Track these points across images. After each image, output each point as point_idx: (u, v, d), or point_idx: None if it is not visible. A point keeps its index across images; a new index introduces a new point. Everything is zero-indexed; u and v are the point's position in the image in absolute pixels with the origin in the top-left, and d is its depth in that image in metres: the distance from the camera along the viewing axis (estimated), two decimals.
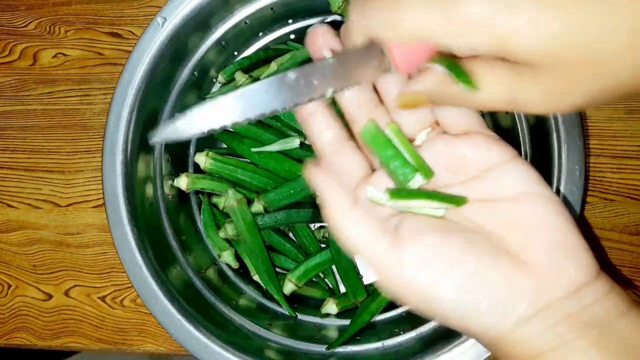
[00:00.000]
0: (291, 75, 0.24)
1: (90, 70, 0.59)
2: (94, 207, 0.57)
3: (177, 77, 0.49)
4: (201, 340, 0.41)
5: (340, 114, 0.29)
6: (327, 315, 0.50)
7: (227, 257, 0.51)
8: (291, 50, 0.53)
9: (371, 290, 0.49)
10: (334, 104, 0.29)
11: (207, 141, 0.55)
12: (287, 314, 0.49)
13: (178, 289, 0.44)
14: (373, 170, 0.29)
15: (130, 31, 0.59)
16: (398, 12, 0.22)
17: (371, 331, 0.47)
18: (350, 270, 0.49)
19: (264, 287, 0.50)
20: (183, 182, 0.49)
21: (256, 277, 0.51)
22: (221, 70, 0.53)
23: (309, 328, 0.49)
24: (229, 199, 0.49)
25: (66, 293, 0.56)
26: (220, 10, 0.47)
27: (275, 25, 0.53)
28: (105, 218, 0.43)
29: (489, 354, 0.37)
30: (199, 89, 0.52)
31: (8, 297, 0.56)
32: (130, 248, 0.43)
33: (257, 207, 0.49)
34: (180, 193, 0.51)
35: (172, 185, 0.49)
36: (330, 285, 0.53)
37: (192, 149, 0.53)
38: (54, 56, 0.60)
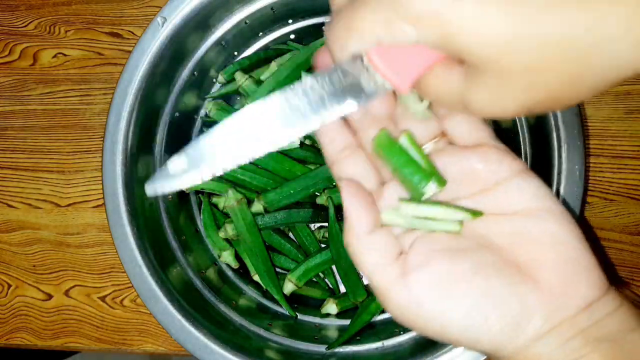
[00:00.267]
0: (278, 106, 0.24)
1: (90, 70, 0.59)
2: (94, 207, 0.57)
3: (177, 77, 0.49)
4: (201, 340, 0.41)
5: None
6: (327, 315, 0.50)
7: (227, 257, 0.51)
8: (291, 50, 0.53)
9: (371, 291, 0.49)
10: None
11: None
12: (287, 314, 0.49)
13: (178, 289, 0.44)
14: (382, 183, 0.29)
15: (130, 31, 0.59)
16: (353, 21, 0.23)
17: (371, 331, 0.47)
18: (350, 270, 0.49)
19: (264, 287, 0.50)
20: None
21: (256, 277, 0.51)
22: (221, 70, 0.53)
23: (309, 328, 0.49)
24: (229, 199, 0.49)
25: (66, 293, 0.56)
26: (220, 10, 0.47)
27: (275, 25, 0.53)
28: (105, 218, 0.43)
29: None
30: (199, 89, 0.52)
31: (8, 297, 0.56)
32: (130, 248, 0.43)
33: (257, 207, 0.49)
34: (180, 193, 0.51)
35: None
36: (330, 285, 0.53)
37: None
38: (54, 56, 0.60)
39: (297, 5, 0.51)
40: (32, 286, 0.56)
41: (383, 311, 0.48)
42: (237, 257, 0.51)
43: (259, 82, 0.51)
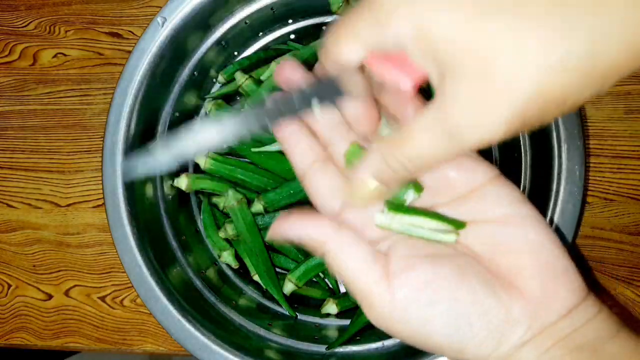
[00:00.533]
0: (268, 102, 0.25)
1: (90, 70, 0.59)
2: (94, 207, 0.57)
3: (177, 77, 0.49)
4: (201, 340, 0.41)
5: None
6: (327, 315, 0.50)
7: (227, 257, 0.51)
8: (291, 50, 0.53)
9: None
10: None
11: None
12: (287, 314, 0.49)
13: (178, 289, 0.44)
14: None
15: (130, 31, 0.59)
16: (340, 29, 0.24)
17: (371, 331, 0.47)
18: None
19: (264, 287, 0.50)
20: (183, 182, 0.49)
21: (256, 277, 0.51)
22: (221, 70, 0.53)
23: (309, 328, 0.49)
24: (229, 199, 0.49)
25: (66, 293, 0.56)
26: (220, 10, 0.47)
27: (275, 25, 0.53)
28: (105, 218, 0.43)
29: None
30: (199, 89, 0.52)
31: (8, 297, 0.56)
32: (130, 248, 0.43)
33: (257, 207, 0.49)
34: (180, 193, 0.51)
35: (172, 185, 0.50)
36: (330, 285, 0.53)
37: None
38: (54, 56, 0.60)
39: (297, 5, 0.51)
40: (32, 286, 0.56)
41: None
42: (237, 257, 0.51)
43: (259, 82, 0.51)
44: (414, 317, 0.24)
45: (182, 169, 0.52)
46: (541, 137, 0.42)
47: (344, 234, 0.25)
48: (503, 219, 0.26)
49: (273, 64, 0.51)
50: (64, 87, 0.59)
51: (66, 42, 0.60)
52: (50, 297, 0.56)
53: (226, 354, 0.41)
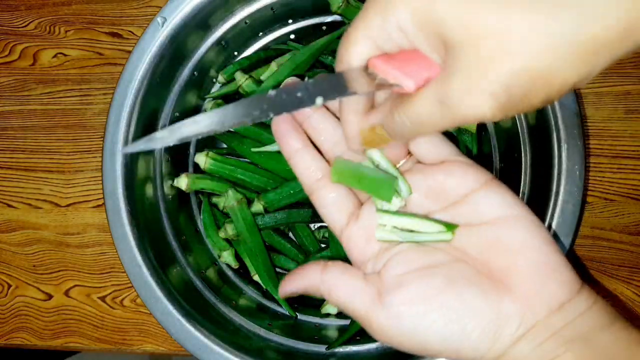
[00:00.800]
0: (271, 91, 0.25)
1: (90, 70, 0.59)
2: (94, 207, 0.57)
3: (177, 77, 0.49)
4: (201, 340, 0.41)
5: None
6: (327, 315, 0.50)
7: (227, 257, 0.51)
8: (291, 50, 0.53)
9: None
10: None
11: (207, 141, 0.55)
12: (287, 314, 0.49)
13: (178, 289, 0.44)
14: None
15: (130, 31, 0.59)
16: (349, 32, 0.25)
17: None
18: None
19: (264, 287, 0.50)
20: (183, 182, 0.49)
21: (256, 277, 0.51)
22: (221, 70, 0.53)
23: (309, 328, 0.49)
24: (229, 199, 0.49)
25: (66, 293, 0.56)
26: (220, 10, 0.47)
27: (275, 25, 0.53)
28: (105, 218, 0.43)
29: None
30: (199, 89, 0.52)
31: (8, 297, 0.56)
32: (130, 248, 0.43)
33: (257, 207, 0.49)
34: (180, 193, 0.51)
35: (172, 185, 0.50)
36: None
37: (192, 149, 0.53)
38: (54, 56, 0.60)
39: (297, 5, 0.51)
40: (32, 286, 0.56)
41: None
42: (237, 257, 0.51)
43: (259, 82, 0.51)
44: (409, 328, 0.25)
45: (182, 169, 0.52)
46: (541, 137, 0.42)
47: (330, 272, 0.28)
48: (495, 221, 0.27)
49: (273, 64, 0.51)
50: (64, 87, 0.59)
51: (66, 42, 0.60)
52: (50, 297, 0.56)
53: (226, 354, 0.41)
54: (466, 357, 0.25)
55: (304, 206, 0.51)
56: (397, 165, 0.30)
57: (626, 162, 0.51)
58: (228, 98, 0.54)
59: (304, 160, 0.30)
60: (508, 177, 0.46)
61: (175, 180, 0.49)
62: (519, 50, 0.20)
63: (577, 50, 0.20)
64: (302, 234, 0.52)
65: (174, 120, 0.49)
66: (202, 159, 0.50)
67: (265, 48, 0.54)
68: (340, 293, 0.27)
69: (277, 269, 0.52)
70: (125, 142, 0.44)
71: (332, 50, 0.52)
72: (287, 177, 0.50)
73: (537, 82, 0.21)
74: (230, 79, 0.53)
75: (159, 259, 0.44)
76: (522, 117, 0.44)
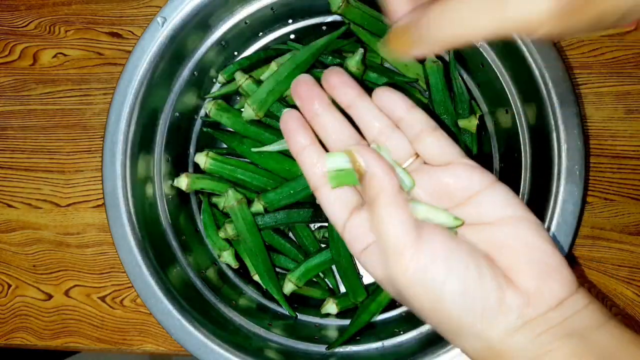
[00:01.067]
0: None
1: (90, 70, 0.59)
2: (94, 207, 0.57)
3: (177, 77, 0.49)
4: (201, 340, 0.41)
5: None
6: (327, 315, 0.50)
7: (227, 257, 0.51)
8: (291, 50, 0.53)
9: (371, 290, 0.49)
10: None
11: (207, 141, 0.55)
12: (287, 314, 0.49)
13: (178, 289, 0.44)
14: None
15: (130, 31, 0.59)
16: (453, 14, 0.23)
17: (371, 331, 0.47)
18: (350, 270, 0.49)
19: (264, 287, 0.50)
20: (183, 182, 0.49)
21: (256, 277, 0.51)
22: (221, 70, 0.53)
23: (309, 328, 0.49)
24: (229, 199, 0.49)
25: (66, 293, 0.56)
26: (220, 10, 0.47)
27: (275, 25, 0.53)
28: (105, 218, 0.43)
29: None
30: (199, 89, 0.52)
31: (8, 297, 0.56)
32: (130, 248, 0.43)
33: (257, 207, 0.49)
34: (180, 193, 0.51)
35: (172, 185, 0.50)
36: (330, 285, 0.53)
37: (192, 149, 0.53)
38: (54, 56, 0.60)
39: (297, 5, 0.51)
40: (32, 286, 0.56)
41: (383, 311, 0.48)
42: (237, 257, 0.51)
43: (259, 82, 0.51)
44: (433, 277, 0.26)
45: (182, 169, 0.52)
46: (541, 137, 0.42)
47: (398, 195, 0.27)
48: (499, 221, 0.28)
49: (273, 64, 0.51)
50: (64, 87, 0.59)
51: (66, 42, 0.60)
52: (50, 297, 0.56)
53: (226, 354, 0.41)
54: (463, 332, 0.26)
55: (304, 206, 0.51)
56: (404, 166, 0.30)
57: (626, 162, 0.51)
58: (228, 98, 0.54)
59: (311, 157, 0.30)
60: (508, 177, 0.46)
61: (175, 180, 0.49)
62: None
63: None
64: (302, 234, 0.52)
65: (174, 120, 0.49)
66: (202, 159, 0.50)
67: (265, 48, 0.54)
68: (398, 218, 0.26)
69: (277, 269, 0.52)
70: (125, 142, 0.44)
71: (332, 50, 0.52)
72: (287, 177, 0.50)
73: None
74: (230, 79, 0.53)
75: (159, 259, 0.44)
76: (522, 117, 0.44)
